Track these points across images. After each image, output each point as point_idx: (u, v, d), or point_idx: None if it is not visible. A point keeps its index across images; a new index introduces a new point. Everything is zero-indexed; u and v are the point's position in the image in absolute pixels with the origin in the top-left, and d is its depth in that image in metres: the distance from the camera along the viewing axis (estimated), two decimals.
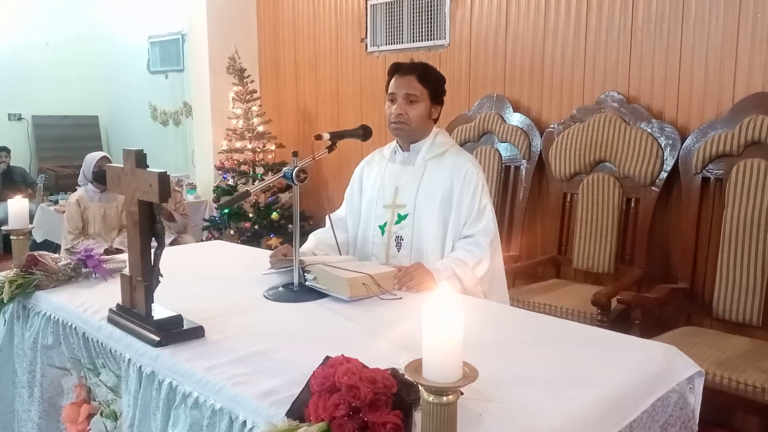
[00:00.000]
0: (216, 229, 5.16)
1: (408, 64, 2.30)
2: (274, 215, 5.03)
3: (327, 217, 2.45)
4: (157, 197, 1.55)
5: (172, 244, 4.36)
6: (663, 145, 3.14)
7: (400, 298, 1.98)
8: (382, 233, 2.37)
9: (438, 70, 2.37)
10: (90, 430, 1.87)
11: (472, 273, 2.19)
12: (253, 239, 4.95)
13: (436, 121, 2.38)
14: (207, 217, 5.44)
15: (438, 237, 2.29)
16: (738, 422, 2.90)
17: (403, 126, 2.27)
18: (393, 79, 2.29)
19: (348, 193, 2.57)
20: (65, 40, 8.09)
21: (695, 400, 1.58)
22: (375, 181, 2.44)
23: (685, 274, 3.05)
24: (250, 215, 5.03)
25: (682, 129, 3.14)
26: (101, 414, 1.83)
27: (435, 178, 2.31)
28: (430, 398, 0.99)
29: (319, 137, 2.14)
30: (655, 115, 3.23)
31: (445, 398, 0.99)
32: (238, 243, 4.61)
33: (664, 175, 3.14)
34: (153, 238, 1.68)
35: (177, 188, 5.05)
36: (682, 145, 3.09)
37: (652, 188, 3.19)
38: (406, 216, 2.34)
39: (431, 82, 2.28)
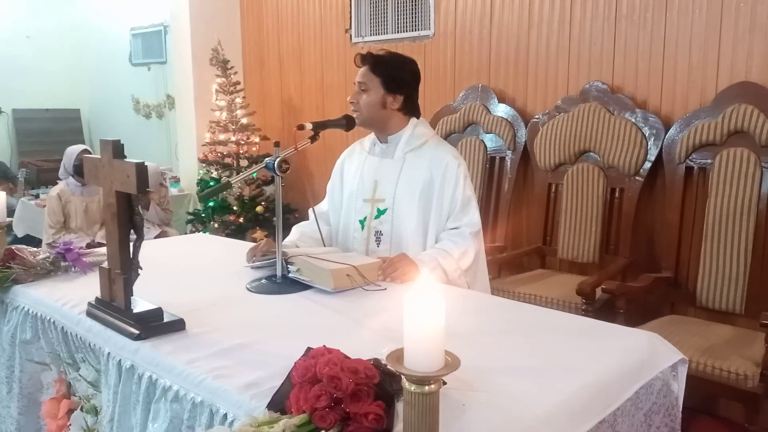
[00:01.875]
0: (200, 222, 5.12)
1: (363, 55, 2.30)
2: (259, 208, 5.00)
3: (310, 210, 2.43)
4: (135, 188, 1.52)
5: (158, 237, 4.31)
6: (647, 135, 3.15)
7: (385, 288, 1.97)
8: (362, 228, 2.36)
9: (404, 61, 2.34)
10: (70, 425, 1.84)
11: (456, 264, 2.18)
12: (237, 232, 4.92)
13: (412, 113, 2.35)
14: (191, 210, 5.39)
15: (418, 231, 2.27)
16: (722, 409, 2.92)
17: (357, 114, 2.29)
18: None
19: (330, 186, 2.55)
20: (46, 33, 7.97)
21: (679, 387, 1.59)
22: (355, 174, 2.42)
23: (669, 264, 3.06)
24: (235, 208, 5.00)
25: (665, 119, 3.15)
26: (81, 409, 1.81)
27: (414, 172, 2.29)
28: (412, 388, 0.98)
29: (301, 127, 2.12)
30: (639, 105, 3.23)
31: (427, 388, 0.97)
32: (222, 236, 4.57)
33: (648, 164, 3.15)
34: (132, 230, 1.65)
35: (164, 183, 4.99)
36: (665, 134, 3.10)
37: (637, 178, 3.19)
38: (385, 210, 2.32)
39: (383, 71, 2.26)
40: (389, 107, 2.29)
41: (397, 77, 2.28)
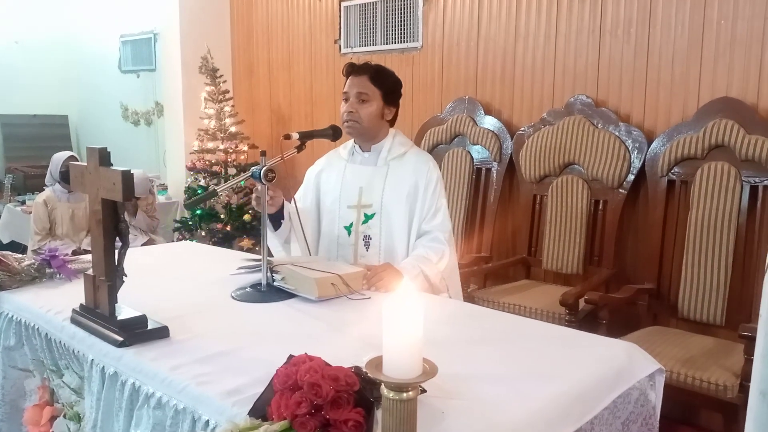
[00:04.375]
0: (187, 230, 5.11)
1: (361, 65, 2.34)
2: (246, 216, 4.99)
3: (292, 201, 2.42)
4: (121, 196, 1.53)
5: (145, 245, 4.30)
6: (630, 148, 3.20)
7: (369, 297, 1.99)
8: (349, 233, 2.39)
9: (394, 73, 2.40)
10: None
11: (436, 268, 2.26)
12: (224, 241, 4.91)
13: (392, 123, 2.41)
14: (178, 218, 5.38)
15: (404, 233, 2.35)
16: (702, 419, 2.95)
17: (354, 124, 2.31)
18: (348, 80, 2.33)
19: (300, 194, 2.54)
20: (35, 38, 7.94)
21: (656, 396, 1.61)
22: (336, 183, 2.45)
23: (651, 275, 3.10)
24: (222, 216, 5.00)
25: (648, 132, 3.20)
26: (64, 416, 1.81)
27: (399, 177, 2.35)
28: (390, 394, 0.99)
29: (288, 137, 2.14)
30: (623, 119, 3.28)
31: (405, 394, 0.99)
32: (209, 244, 4.56)
33: (631, 177, 3.19)
34: (117, 238, 1.66)
35: (152, 190, 4.98)
36: (648, 148, 3.14)
37: (620, 190, 3.23)
38: (373, 215, 2.36)
39: (384, 83, 2.31)
40: (384, 118, 2.35)
41: (394, 90, 2.36)
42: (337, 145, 2.62)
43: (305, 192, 2.55)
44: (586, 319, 2.92)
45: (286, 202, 2.38)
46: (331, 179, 2.47)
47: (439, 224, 2.32)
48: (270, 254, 2.24)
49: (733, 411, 2.38)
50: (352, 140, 2.45)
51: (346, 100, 2.32)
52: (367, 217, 2.37)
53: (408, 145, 2.44)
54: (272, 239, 2.41)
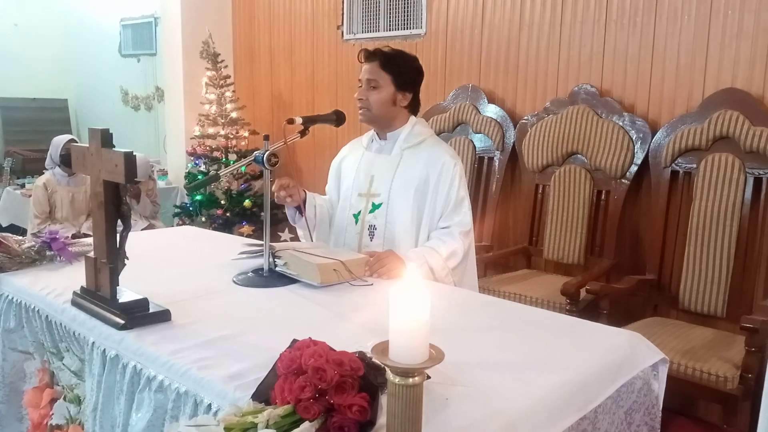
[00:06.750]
0: (187, 215, 5.10)
1: (372, 51, 2.28)
2: (247, 203, 4.99)
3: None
4: (123, 177, 1.52)
5: (145, 230, 4.29)
6: (634, 139, 3.18)
7: (371, 284, 1.98)
8: (356, 222, 2.36)
9: (413, 58, 2.34)
10: (53, 414, 1.83)
11: (444, 263, 2.20)
12: (225, 227, 4.90)
13: (413, 110, 2.36)
14: (178, 203, 5.37)
15: (411, 227, 2.28)
16: (700, 411, 2.96)
17: (365, 111, 2.28)
18: (362, 66, 2.30)
19: (327, 188, 2.55)
20: (34, 21, 7.89)
21: (659, 386, 1.61)
22: (352, 170, 2.43)
23: (653, 266, 3.09)
24: (222, 202, 4.98)
25: (652, 123, 3.18)
26: (64, 398, 1.80)
27: (411, 168, 2.29)
28: (396, 380, 0.98)
29: (291, 121, 2.12)
30: (627, 109, 3.26)
31: (411, 380, 0.98)
32: (209, 230, 4.55)
33: (634, 168, 3.18)
34: (119, 220, 1.65)
35: (152, 175, 4.97)
36: (652, 138, 3.13)
37: (623, 181, 3.22)
38: (380, 205, 2.33)
39: (394, 68, 2.25)
40: (398, 104, 2.29)
41: (407, 74, 2.29)
42: (340, 131, 2.61)
43: (329, 181, 2.54)
44: (587, 309, 2.92)
45: (311, 195, 2.38)
46: (349, 166, 2.45)
47: (458, 221, 2.25)
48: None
49: (733, 402, 2.38)
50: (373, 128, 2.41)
51: (360, 87, 2.29)
52: (375, 207, 2.33)
53: (426, 134, 2.36)
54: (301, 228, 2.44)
